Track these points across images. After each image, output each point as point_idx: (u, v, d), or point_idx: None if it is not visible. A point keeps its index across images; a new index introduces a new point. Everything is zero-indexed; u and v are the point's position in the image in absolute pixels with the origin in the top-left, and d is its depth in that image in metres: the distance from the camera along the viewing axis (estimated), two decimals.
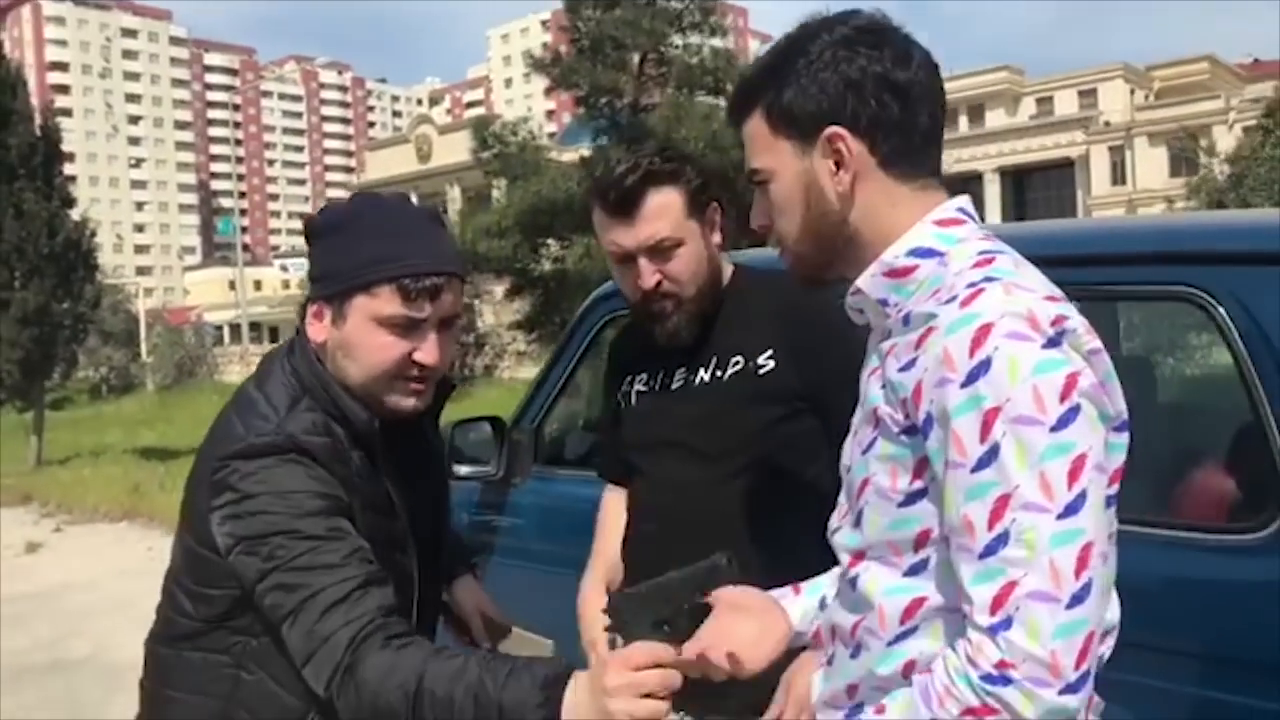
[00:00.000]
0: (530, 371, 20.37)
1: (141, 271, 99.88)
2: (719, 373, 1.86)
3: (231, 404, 1.58)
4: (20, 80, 15.29)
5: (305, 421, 1.49)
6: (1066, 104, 54.49)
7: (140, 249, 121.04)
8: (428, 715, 1.30)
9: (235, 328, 49.29)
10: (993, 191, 47.61)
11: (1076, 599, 1.04)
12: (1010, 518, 1.06)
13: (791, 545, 1.65)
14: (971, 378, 1.08)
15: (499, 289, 22.08)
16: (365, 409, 1.53)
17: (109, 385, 32.35)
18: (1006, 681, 1.04)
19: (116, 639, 6.08)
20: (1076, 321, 1.11)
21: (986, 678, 1.05)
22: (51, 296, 14.84)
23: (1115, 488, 1.16)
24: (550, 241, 13.27)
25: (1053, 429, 1.06)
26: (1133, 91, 54.40)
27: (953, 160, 48.87)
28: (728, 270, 1.94)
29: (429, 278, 1.49)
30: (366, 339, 1.50)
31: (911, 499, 1.18)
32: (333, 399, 1.52)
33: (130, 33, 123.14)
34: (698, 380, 1.88)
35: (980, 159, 47.84)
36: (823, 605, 1.39)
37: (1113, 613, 1.21)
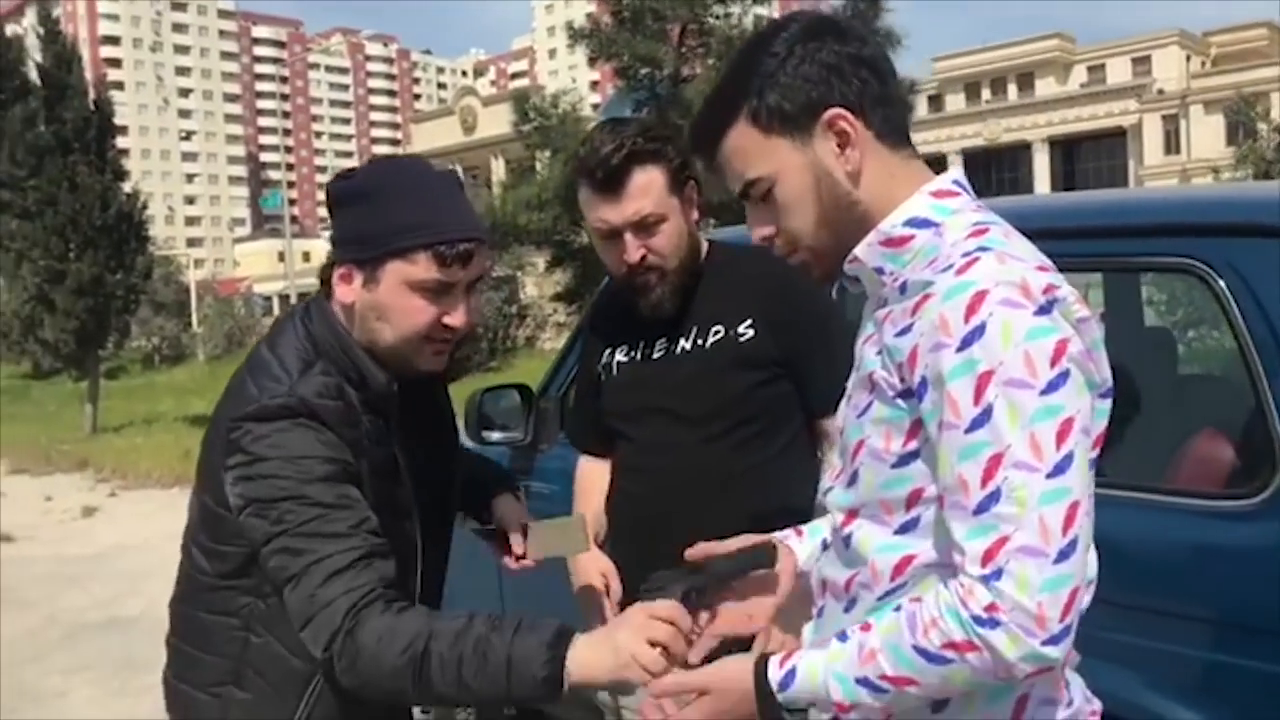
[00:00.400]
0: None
1: (192, 243, 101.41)
2: (700, 341, 1.95)
3: (245, 365, 1.61)
4: (75, 55, 15.55)
5: (317, 384, 1.51)
6: (1119, 72, 53.38)
7: (191, 221, 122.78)
8: (435, 675, 1.34)
9: (284, 298, 49.91)
10: (1041, 161, 46.90)
11: (1063, 554, 1.09)
12: (1002, 476, 1.10)
13: (773, 499, 1.74)
14: (966, 342, 1.12)
15: (541, 261, 22.13)
16: (384, 371, 1.56)
17: (161, 355, 32.95)
18: (995, 624, 1.09)
19: (168, 599, 6.30)
20: (1066, 290, 1.16)
21: (975, 619, 1.10)
22: (105, 268, 15.14)
23: (1097, 451, 1.22)
24: None
25: (1043, 392, 1.11)
26: (1188, 58, 53.17)
27: (1001, 130, 48.13)
28: (704, 246, 2.03)
29: (462, 244, 1.52)
30: (400, 302, 1.52)
31: (904, 460, 1.23)
32: (352, 361, 1.55)
33: (180, 6, 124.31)
34: (679, 349, 1.97)
35: (1029, 129, 47.14)
36: (825, 547, 1.44)
37: (1090, 569, 1.25)
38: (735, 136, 1.29)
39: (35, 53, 15.50)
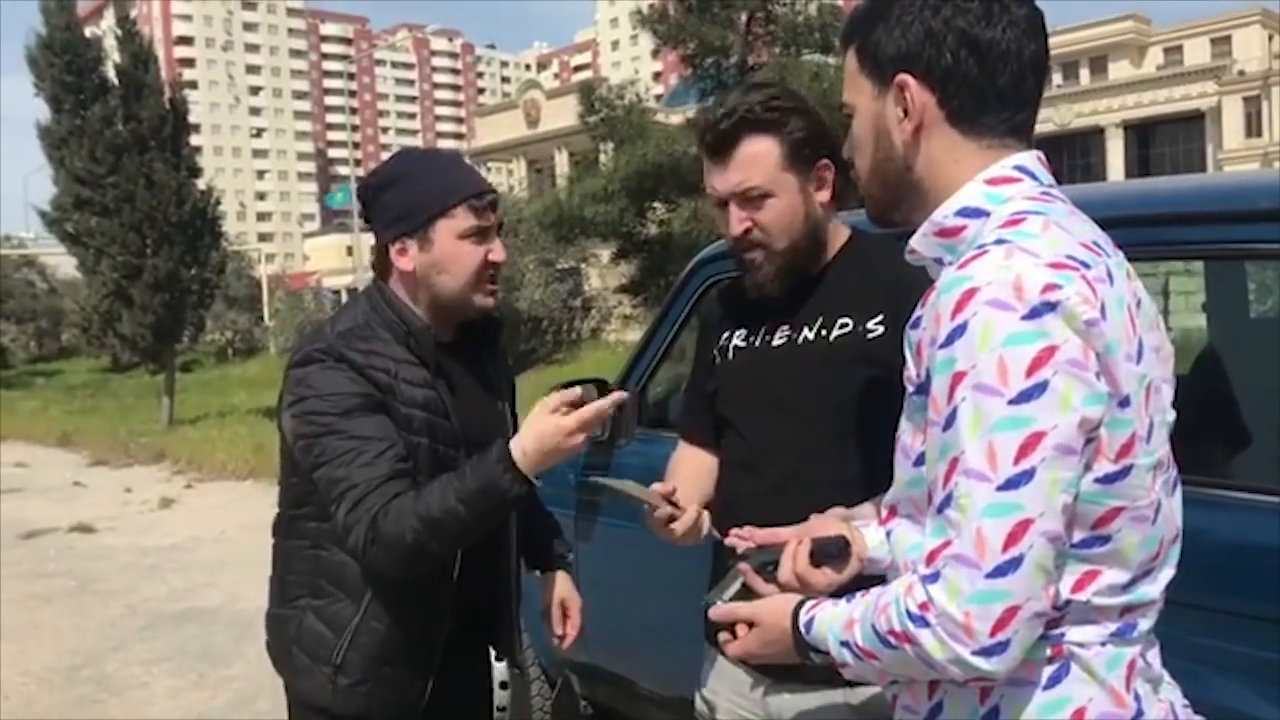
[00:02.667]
0: (636, 334, 20.41)
1: (263, 238, 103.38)
2: (825, 333, 1.82)
3: (309, 333, 1.97)
4: (151, 55, 15.88)
5: (358, 344, 1.83)
6: (1197, 53, 51.83)
7: (262, 216, 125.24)
8: (442, 534, 1.69)
9: (353, 291, 50.46)
10: (1115, 147, 45.71)
11: (999, 571, 1.07)
12: (955, 480, 1.10)
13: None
14: (949, 340, 1.10)
15: (605, 253, 22.11)
16: (421, 319, 1.90)
17: (234, 348, 33.64)
18: (924, 623, 1.11)
19: (245, 591, 6.37)
20: (1072, 290, 1.08)
21: (909, 614, 1.12)
22: (180, 263, 15.47)
23: (1128, 461, 1.13)
24: (656, 204, 13.18)
25: (1011, 401, 1.07)
26: (1271, 37, 51.46)
27: (1073, 115, 47.03)
28: (841, 233, 1.90)
29: (487, 194, 1.90)
30: (454, 251, 1.87)
31: (922, 459, 1.20)
32: (397, 316, 1.88)
33: (250, 5, 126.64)
34: (801, 339, 1.84)
35: (1102, 113, 45.93)
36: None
37: (1152, 587, 1.20)
38: (847, 57, 1.32)
39: (114, 54, 15.81)
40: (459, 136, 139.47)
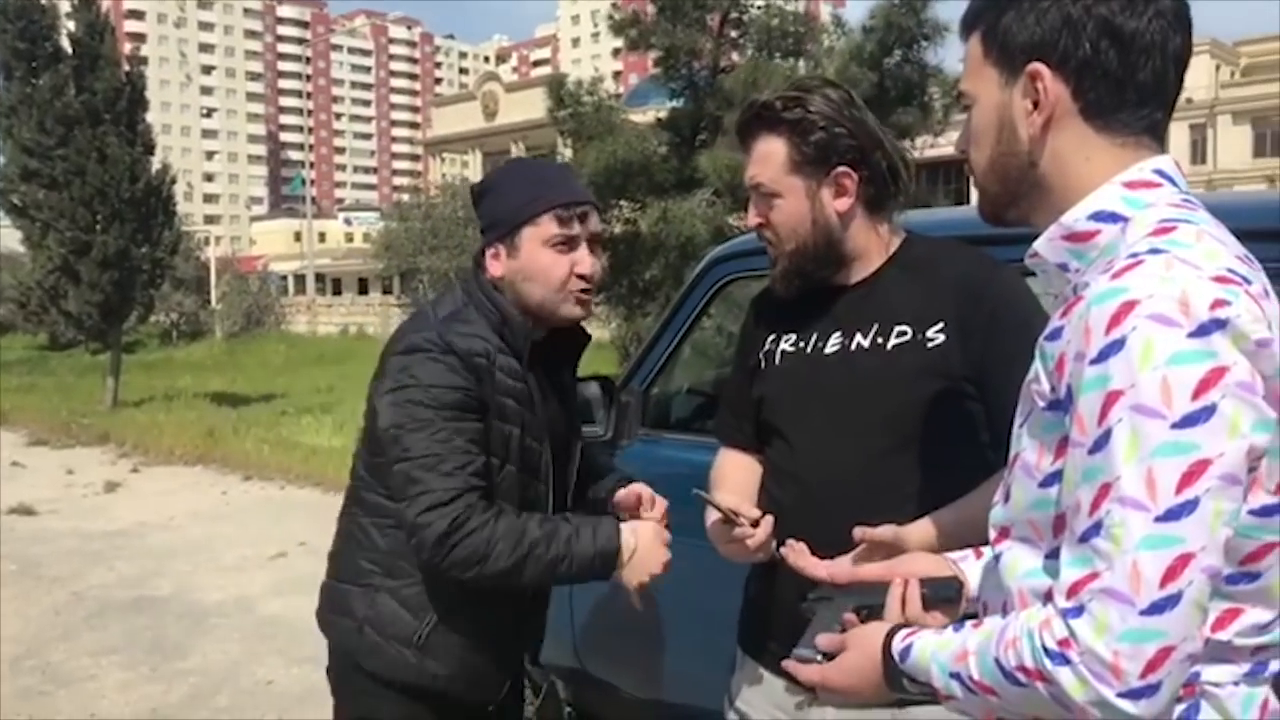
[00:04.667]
0: (598, 331, 20.30)
1: (210, 220, 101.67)
2: (880, 340, 1.73)
3: (410, 318, 2.03)
4: (109, 26, 15.42)
5: (459, 328, 1.87)
6: None
7: (209, 198, 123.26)
8: (531, 572, 1.78)
9: (300, 278, 49.96)
10: None
11: (1156, 607, 0.98)
12: (1105, 508, 1.01)
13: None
14: (1103, 355, 1.01)
15: None
16: (523, 315, 1.92)
17: (178, 330, 32.95)
18: (1064, 661, 1.02)
19: (197, 580, 6.19)
20: (1242, 307, 1.00)
21: (1046, 650, 1.03)
22: (131, 241, 15.02)
23: None
24: (622, 203, 13.06)
25: (1175, 425, 0.98)
26: (1218, 68, 52.75)
27: None
28: (888, 238, 1.81)
29: (576, 205, 1.91)
30: (539, 258, 1.90)
31: (1051, 479, 1.11)
32: (495, 305, 1.91)
33: None
34: (854, 345, 1.76)
35: None
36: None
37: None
38: (970, 43, 1.23)
39: (69, 23, 15.35)
40: (414, 125, 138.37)
